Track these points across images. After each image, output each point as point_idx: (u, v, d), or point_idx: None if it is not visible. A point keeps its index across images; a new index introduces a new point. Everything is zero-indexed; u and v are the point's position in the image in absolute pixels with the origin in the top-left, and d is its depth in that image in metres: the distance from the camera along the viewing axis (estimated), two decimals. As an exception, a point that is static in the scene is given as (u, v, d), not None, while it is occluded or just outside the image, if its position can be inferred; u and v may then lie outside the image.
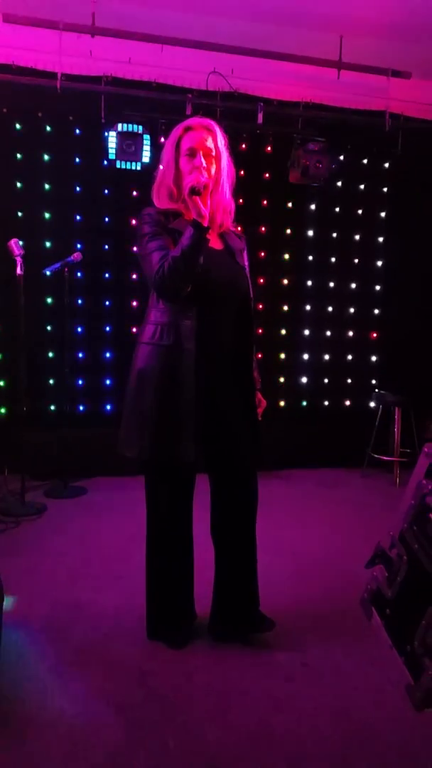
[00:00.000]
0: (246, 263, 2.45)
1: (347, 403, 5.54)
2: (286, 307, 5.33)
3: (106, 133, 4.52)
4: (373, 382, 5.54)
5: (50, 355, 4.85)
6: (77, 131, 4.80)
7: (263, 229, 5.20)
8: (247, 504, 2.43)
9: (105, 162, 4.66)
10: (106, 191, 4.87)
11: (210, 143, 2.23)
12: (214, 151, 2.24)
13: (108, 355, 4.99)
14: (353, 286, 5.46)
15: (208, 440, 2.34)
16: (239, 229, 2.53)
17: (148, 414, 2.27)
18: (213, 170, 2.24)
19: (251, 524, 2.45)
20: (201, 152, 2.21)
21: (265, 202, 5.21)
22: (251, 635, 2.48)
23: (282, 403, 5.36)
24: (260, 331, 5.18)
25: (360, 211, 5.42)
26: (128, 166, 4.53)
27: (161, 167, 2.32)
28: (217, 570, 2.51)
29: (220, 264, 2.28)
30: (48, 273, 4.25)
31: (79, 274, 4.81)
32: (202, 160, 2.20)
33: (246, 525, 2.44)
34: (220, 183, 2.27)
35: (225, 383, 2.36)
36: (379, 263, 5.49)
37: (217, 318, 2.28)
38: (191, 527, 2.49)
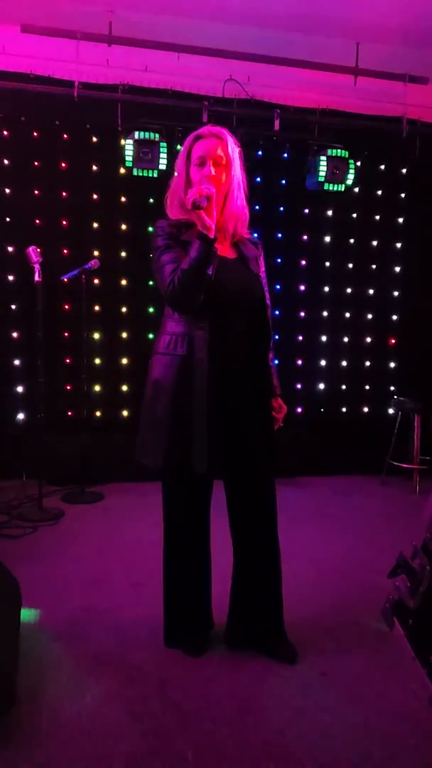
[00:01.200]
0: (262, 270, 2.43)
1: (365, 409, 5.50)
2: (303, 314, 5.31)
3: (122, 141, 4.54)
4: (392, 388, 5.49)
5: (68, 361, 4.87)
6: (94, 139, 4.83)
7: (280, 235, 5.19)
8: (265, 513, 2.40)
9: (122, 170, 4.69)
10: (123, 199, 4.90)
11: (220, 151, 2.22)
12: (224, 159, 2.23)
13: (125, 361, 5.01)
14: (371, 291, 5.43)
15: (224, 449, 2.32)
16: (255, 236, 2.51)
17: (163, 424, 2.28)
18: (223, 178, 2.23)
19: (271, 534, 2.42)
20: (211, 161, 2.21)
21: (282, 208, 5.20)
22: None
23: (299, 410, 5.33)
24: (277, 337, 5.16)
25: (378, 217, 5.39)
26: (145, 174, 4.55)
27: (174, 177, 2.33)
28: (235, 580, 2.48)
29: (233, 273, 2.27)
30: (65, 280, 4.27)
31: (96, 281, 4.83)
32: (212, 169, 2.20)
33: (265, 535, 2.41)
34: (231, 191, 2.25)
35: (240, 392, 2.32)
36: (397, 269, 5.46)
37: (231, 327, 2.26)
38: (209, 535, 2.47)
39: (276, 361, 2.59)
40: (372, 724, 2.06)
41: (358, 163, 5.03)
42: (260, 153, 5.10)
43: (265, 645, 2.44)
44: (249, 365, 2.35)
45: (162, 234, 2.28)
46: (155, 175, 4.53)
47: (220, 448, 2.29)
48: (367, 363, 5.48)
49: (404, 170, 5.34)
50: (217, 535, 2.50)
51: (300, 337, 5.33)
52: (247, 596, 2.46)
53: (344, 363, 5.44)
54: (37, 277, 3.97)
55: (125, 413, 4.99)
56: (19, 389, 4.82)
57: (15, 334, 4.79)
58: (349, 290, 5.39)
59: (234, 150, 2.25)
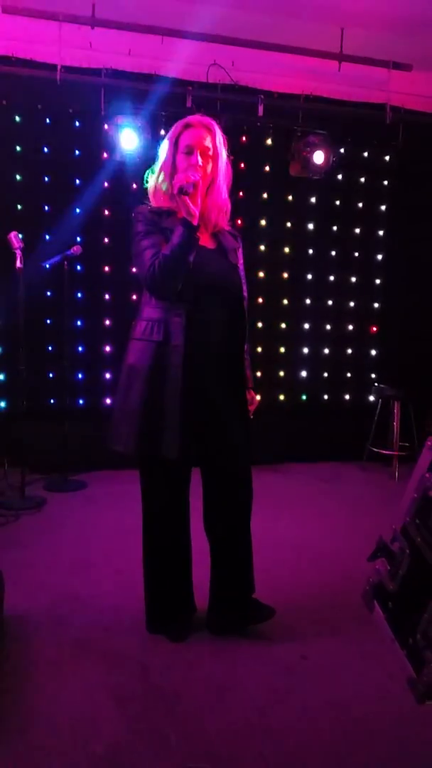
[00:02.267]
0: (241, 262, 2.44)
1: (347, 396, 5.54)
2: (285, 301, 5.32)
3: (105, 126, 4.49)
4: (373, 375, 5.54)
5: (50, 348, 4.84)
6: (77, 123, 4.78)
7: (263, 222, 5.18)
8: (240, 500, 2.43)
9: (104, 155, 4.65)
10: (106, 184, 4.85)
11: (208, 142, 2.23)
12: (211, 150, 2.23)
13: (108, 348, 4.99)
14: (353, 279, 5.46)
15: (199, 437, 2.33)
16: (236, 226, 2.53)
17: (136, 409, 2.28)
18: (209, 169, 2.24)
19: (245, 519, 2.45)
20: (198, 150, 2.21)
21: (265, 195, 5.19)
22: (250, 627, 2.48)
23: (281, 397, 5.36)
24: (260, 324, 5.18)
25: (360, 204, 5.40)
26: (128, 159, 4.51)
27: (159, 163, 2.31)
28: (213, 564, 2.51)
29: (212, 263, 2.29)
30: (47, 266, 4.24)
31: (78, 268, 4.79)
32: (199, 158, 2.21)
33: (239, 520, 2.44)
34: (216, 182, 2.27)
35: (216, 380, 2.33)
36: (380, 256, 5.49)
37: (208, 316, 2.27)
38: (188, 521, 2.49)
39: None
40: (351, 705, 2.10)
41: (341, 150, 5.03)
42: (244, 139, 5.07)
43: (241, 617, 2.47)
44: (225, 354, 2.35)
45: (142, 220, 2.28)
46: (138, 160, 4.50)
47: (195, 436, 2.29)
48: (349, 351, 5.52)
49: (387, 157, 5.35)
50: (198, 523, 2.51)
51: (283, 325, 5.34)
52: (223, 578, 2.48)
53: (326, 350, 5.47)
54: (18, 263, 3.93)
55: (108, 401, 4.98)
56: (1, 377, 4.78)
57: (-4, 321, 4.74)
58: (331, 278, 5.41)
59: (221, 142, 2.26)
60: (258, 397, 2.58)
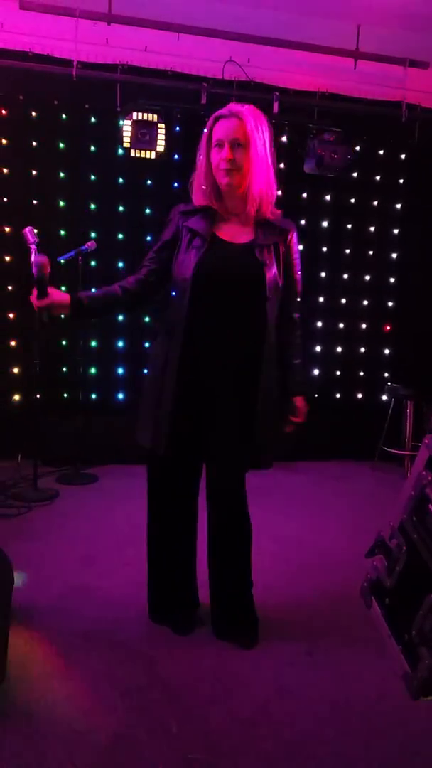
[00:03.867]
0: (295, 256, 2.37)
1: (359, 395, 5.52)
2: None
3: (121, 122, 4.52)
4: (386, 375, 5.52)
5: (63, 343, 4.88)
6: (92, 119, 4.80)
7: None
8: (230, 501, 2.40)
9: (120, 150, 4.68)
10: (121, 180, 4.87)
11: (239, 132, 2.14)
12: (243, 139, 2.14)
13: (121, 344, 5.02)
14: (367, 277, 5.43)
15: (203, 435, 2.31)
16: (284, 217, 2.37)
17: (143, 401, 2.38)
18: (242, 159, 2.15)
19: (239, 525, 2.42)
20: (228, 143, 2.14)
21: (279, 192, 5.15)
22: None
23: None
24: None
25: (375, 202, 5.38)
26: (143, 155, 4.53)
27: (198, 158, 2.26)
28: (209, 569, 2.49)
29: (227, 259, 2.23)
30: (62, 261, 4.27)
31: (93, 263, 4.82)
32: (230, 152, 2.14)
33: (235, 522, 2.42)
34: (252, 173, 2.17)
35: (220, 378, 2.25)
36: (394, 255, 5.46)
37: (217, 314, 2.21)
38: (192, 516, 2.49)
39: (298, 359, 2.46)
40: (352, 701, 2.12)
41: (357, 148, 5.01)
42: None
43: (231, 635, 2.44)
44: (238, 355, 2.26)
45: (168, 223, 2.33)
46: (153, 156, 4.52)
47: (197, 434, 2.29)
48: (362, 349, 5.50)
49: (403, 155, 5.32)
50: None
51: (296, 322, 5.32)
52: (218, 586, 2.47)
53: (339, 349, 5.45)
54: (33, 258, 3.96)
55: (120, 395, 5.02)
56: (15, 370, 4.83)
57: (11, 315, 4.79)
58: (345, 276, 5.39)
59: (255, 128, 2.17)
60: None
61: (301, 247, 5.42)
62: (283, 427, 2.47)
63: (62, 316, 2.32)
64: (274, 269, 2.25)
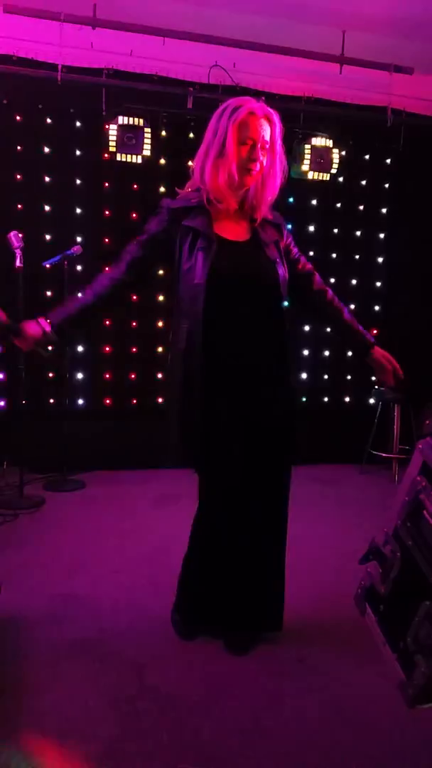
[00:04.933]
0: (292, 246, 2.36)
1: (347, 399, 5.53)
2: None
3: (106, 126, 4.50)
4: (373, 378, 5.52)
5: (49, 348, 4.82)
6: (78, 123, 4.78)
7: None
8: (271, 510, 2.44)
9: (106, 155, 4.66)
10: (107, 184, 4.85)
11: (268, 135, 2.14)
12: (269, 143, 2.16)
13: (107, 348, 4.99)
14: (354, 282, 5.45)
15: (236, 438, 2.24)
16: (277, 213, 2.36)
17: (169, 417, 2.29)
18: (265, 162, 2.16)
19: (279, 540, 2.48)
20: (259, 144, 2.12)
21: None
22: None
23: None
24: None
25: (361, 207, 5.40)
26: (129, 159, 4.52)
27: (215, 144, 2.14)
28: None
29: (237, 257, 2.18)
30: (48, 266, 4.24)
31: (78, 268, 4.79)
32: (259, 153, 2.13)
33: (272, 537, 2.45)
34: (272, 176, 2.19)
35: (242, 382, 2.20)
36: (381, 259, 5.48)
37: (231, 314, 2.16)
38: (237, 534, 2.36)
39: (346, 312, 2.47)
40: (344, 709, 2.10)
41: (343, 153, 5.02)
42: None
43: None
44: (257, 352, 2.21)
45: (156, 218, 2.24)
46: (139, 160, 4.51)
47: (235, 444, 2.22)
48: (349, 353, 5.50)
49: (388, 160, 5.35)
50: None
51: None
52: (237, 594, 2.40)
53: (326, 353, 5.46)
54: (18, 263, 3.93)
55: (108, 401, 4.98)
56: (0, 376, 4.78)
57: (-4, 321, 4.74)
58: (332, 280, 5.39)
59: (280, 135, 2.19)
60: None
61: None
62: (387, 383, 2.51)
63: (48, 348, 2.34)
64: (282, 267, 2.24)
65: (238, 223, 2.23)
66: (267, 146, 2.15)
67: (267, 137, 2.14)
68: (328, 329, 5.39)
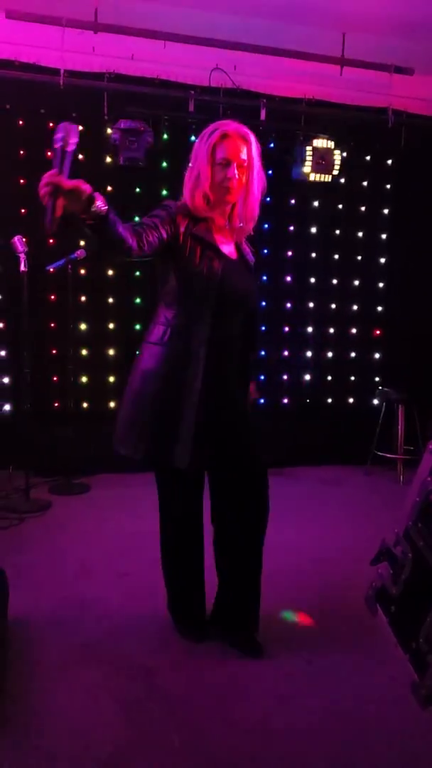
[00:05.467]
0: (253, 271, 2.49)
1: (350, 400, 5.53)
2: (289, 304, 5.32)
3: (108, 130, 4.51)
4: (377, 379, 5.53)
5: (54, 351, 4.85)
6: (80, 128, 4.76)
7: (266, 226, 5.19)
8: (258, 513, 2.42)
9: (108, 159, 4.66)
10: (109, 188, 4.85)
11: (244, 154, 2.22)
12: (247, 162, 2.23)
13: (111, 352, 4.99)
14: (356, 283, 5.45)
15: (213, 444, 2.30)
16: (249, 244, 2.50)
17: (149, 415, 2.27)
18: (244, 180, 2.25)
19: (259, 537, 2.44)
20: (235, 163, 2.21)
21: (267, 199, 5.18)
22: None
23: (285, 401, 5.36)
24: (263, 328, 5.19)
25: (363, 208, 5.40)
26: (130, 163, 4.52)
27: (193, 168, 2.26)
28: (220, 583, 2.53)
29: (236, 275, 2.30)
30: (51, 270, 4.25)
31: (82, 271, 4.80)
32: (236, 172, 2.21)
33: (253, 538, 2.43)
34: (251, 193, 2.28)
35: (230, 390, 2.36)
36: (383, 260, 5.48)
37: (229, 327, 2.30)
38: (201, 526, 2.49)
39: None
40: (355, 710, 2.10)
41: (344, 154, 5.03)
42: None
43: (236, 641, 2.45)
44: (238, 366, 2.39)
45: (163, 208, 2.24)
46: (141, 164, 4.51)
47: (207, 444, 2.27)
48: (353, 354, 5.51)
49: (390, 161, 5.35)
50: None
51: (286, 328, 5.34)
52: (225, 599, 2.49)
53: (330, 354, 5.46)
54: (22, 267, 3.95)
55: (112, 404, 4.99)
56: (5, 380, 4.79)
57: (0, 325, 4.76)
58: (335, 281, 5.41)
59: (258, 153, 2.26)
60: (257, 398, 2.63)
61: (290, 253, 5.49)
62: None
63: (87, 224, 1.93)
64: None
65: (226, 240, 2.33)
66: (244, 164, 2.23)
67: (243, 156, 2.22)
68: (331, 330, 5.43)
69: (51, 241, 4.68)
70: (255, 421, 2.48)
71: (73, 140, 1.80)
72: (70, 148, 1.79)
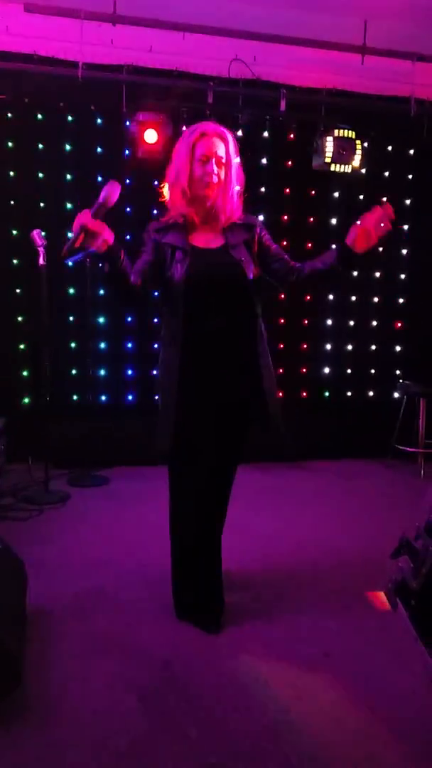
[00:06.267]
0: (266, 239, 2.53)
1: (371, 393, 5.48)
2: (308, 297, 5.28)
3: (127, 122, 4.50)
4: (398, 372, 5.47)
5: (73, 345, 4.87)
6: (98, 120, 4.79)
7: (285, 217, 5.15)
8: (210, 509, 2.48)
9: (126, 151, 4.65)
10: (128, 181, 4.85)
11: (222, 151, 2.38)
12: (225, 159, 2.39)
13: (130, 345, 5.00)
14: (377, 274, 5.39)
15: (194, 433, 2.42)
16: (248, 216, 2.55)
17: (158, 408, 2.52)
18: (222, 176, 2.39)
19: (211, 535, 2.50)
20: (213, 160, 2.36)
21: (287, 190, 5.15)
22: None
23: (305, 394, 5.32)
24: (282, 321, 5.16)
25: (384, 199, 5.32)
26: (149, 156, 4.51)
27: (173, 167, 2.43)
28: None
29: (209, 262, 2.41)
30: (70, 264, 4.23)
31: (101, 265, 4.79)
32: (214, 167, 2.36)
33: (206, 535, 2.49)
34: (228, 189, 2.42)
35: (218, 373, 2.41)
36: (404, 251, 5.42)
37: (208, 313, 2.38)
38: (212, 517, 2.49)
39: (299, 266, 2.49)
40: (374, 704, 2.08)
41: (365, 144, 4.97)
42: (266, 134, 5.04)
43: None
44: (230, 343, 2.42)
45: (147, 237, 2.48)
46: (160, 156, 4.49)
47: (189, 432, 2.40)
48: (373, 347, 5.46)
49: (412, 151, 5.28)
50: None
51: (305, 321, 5.30)
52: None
53: (350, 347, 5.41)
54: (41, 261, 3.96)
55: (130, 397, 5.00)
56: (24, 373, 4.82)
57: (20, 319, 4.78)
58: (355, 273, 5.35)
59: (235, 150, 2.42)
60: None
61: (310, 245, 5.44)
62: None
63: (90, 254, 2.30)
64: (251, 264, 2.45)
65: (210, 232, 2.46)
66: (222, 161, 2.38)
67: (221, 153, 2.38)
68: (351, 323, 5.38)
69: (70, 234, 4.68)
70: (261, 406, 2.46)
71: (114, 198, 2.18)
72: (110, 204, 2.19)
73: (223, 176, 2.40)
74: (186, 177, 2.38)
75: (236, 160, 2.43)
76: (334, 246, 2.43)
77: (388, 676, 2.23)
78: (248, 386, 2.45)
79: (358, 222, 2.31)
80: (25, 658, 2.18)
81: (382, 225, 2.30)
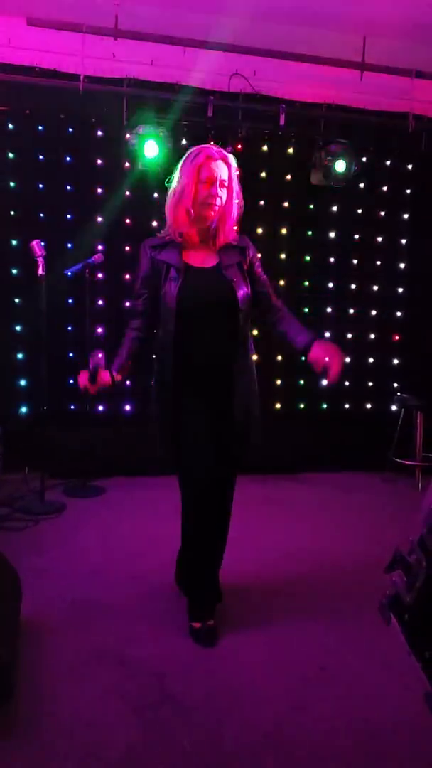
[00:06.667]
0: (257, 266, 2.64)
1: (368, 406, 5.49)
2: (306, 309, 5.30)
3: (127, 135, 4.53)
4: (395, 385, 5.48)
5: (71, 355, 4.88)
6: (99, 133, 4.82)
7: (284, 230, 5.18)
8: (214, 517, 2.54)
9: (126, 164, 4.69)
10: (128, 193, 4.88)
11: (225, 175, 2.48)
12: (227, 182, 2.49)
13: (128, 356, 5.00)
14: (375, 288, 5.42)
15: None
16: (242, 237, 2.65)
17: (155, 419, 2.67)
18: (224, 197, 2.49)
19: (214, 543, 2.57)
20: (217, 182, 2.46)
21: (286, 203, 5.18)
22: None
23: (302, 406, 5.33)
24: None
25: (383, 213, 5.37)
26: (149, 168, 4.55)
27: (177, 187, 2.50)
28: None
29: (201, 283, 2.50)
30: (69, 274, 4.27)
31: (100, 276, 4.83)
32: (218, 190, 2.46)
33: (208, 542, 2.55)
34: (229, 210, 2.52)
35: (208, 387, 2.52)
36: (402, 265, 5.44)
37: (196, 331, 2.48)
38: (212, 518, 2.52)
39: (288, 314, 2.73)
40: (369, 718, 2.07)
41: (363, 159, 5.01)
42: (265, 147, 5.08)
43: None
44: (220, 360, 2.52)
45: (143, 256, 2.57)
46: (160, 169, 4.53)
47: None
48: (371, 359, 5.47)
49: (410, 166, 5.32)
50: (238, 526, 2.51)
51: (303, 333, 5.31)
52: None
53: (347, 359, 5.42)
54: (40, 271, 3.98)
55: (128, 407, 5.00)
56: (22, 382, 4.83)
57: (18, 328, 4.80)
58: (353, 286, 5.38)
59: (235, 173, 2.52)
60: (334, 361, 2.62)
61: (308, 258, 5.47)
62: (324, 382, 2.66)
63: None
64: (243, 285, 2.54)
65: (205, 252, 2.56)
66: (225, 184, 2.49)
67: (224, 176, 2.48)
68: (349, 335, 5.40)
69: (69, 245, 4.72)
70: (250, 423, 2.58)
71: (102, 364, 2.52)
72: (102, 366, 2.53)
73: (225, 199, 2.49)
74: (190, 197, 2.46)
75: (236, 185, 2.52)
76: (305, 340, 2.67)
77: (383, 690, 2.23)
78: (235, 399, 2.54)
79: (326, 359, 2.62)
80: (18, 669, 2.18)
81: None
